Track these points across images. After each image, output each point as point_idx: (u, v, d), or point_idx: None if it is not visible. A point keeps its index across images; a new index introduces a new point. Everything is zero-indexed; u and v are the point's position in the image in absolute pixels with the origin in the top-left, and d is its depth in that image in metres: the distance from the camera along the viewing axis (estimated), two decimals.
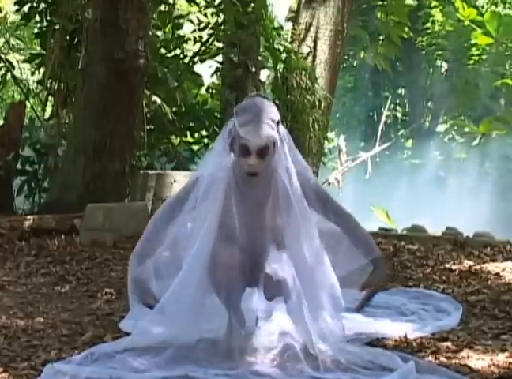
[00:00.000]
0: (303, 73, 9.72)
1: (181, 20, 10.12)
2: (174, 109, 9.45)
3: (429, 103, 19.87)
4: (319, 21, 10.06)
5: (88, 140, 7.60)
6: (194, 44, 10.29)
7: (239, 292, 3.57)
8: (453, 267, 5.50)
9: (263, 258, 3.55)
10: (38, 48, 11.31)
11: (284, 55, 9.79)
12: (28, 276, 5.48)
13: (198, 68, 10.40)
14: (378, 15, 14.95)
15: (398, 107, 20.61)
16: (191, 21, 10.11)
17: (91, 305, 4.61)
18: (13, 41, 17.05)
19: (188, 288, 3.48)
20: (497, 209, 15.55)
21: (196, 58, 10.03)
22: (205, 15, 10.14)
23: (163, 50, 9.78)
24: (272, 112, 3.57)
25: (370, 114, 20.03)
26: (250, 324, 3.58)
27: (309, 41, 10.07)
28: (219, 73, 10.47)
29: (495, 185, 17.08)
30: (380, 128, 18.37)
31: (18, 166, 8.68)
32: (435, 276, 5.24)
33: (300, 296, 3.45)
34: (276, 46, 9.77)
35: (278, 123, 3.58)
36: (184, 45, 10.10)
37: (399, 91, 20.44)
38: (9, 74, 10.13)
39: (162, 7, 9.73)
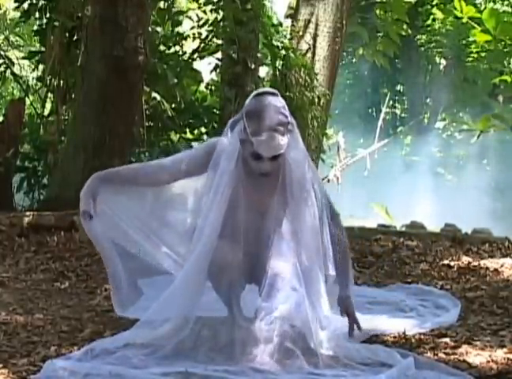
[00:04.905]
0: (302, 69, 9.71)
1: (180, 17, 10.12)
2: (173, 106, 9.45)
3: (428, 100, 19.86)
4: (318, 18, 10.05)
5: (88, 137, 7.59)
6: (193, 41, 10.27)
7: (239, 289, 3.58)
8: (452, 263, 5.50)
9: (265, 255, 3.56)
10: (37, 45, 11.32)
11: (283, 52, 9.77)
12: (28, 273, 5.49)
13: (197, 65, 10.40)
14: (377, 12, 14.95)
15: (397, 104, 20.63)
16: (190, 18, 10.11)
17: (90, 302, 4.62)
18: (12, 38, 17.07)
19: (188, 287, 3.50)
20: (495, 206, 15.56)
21: (195, 55, 10.02)
22: (204, 12, 10.14)
23: (162, 47, 9.77)
24: (281, 113, 3.61)
25: (369, 110, 20.03)
26: (248, 319, 3.59)
27: (308, 38, 10.06)
28: (218, 70, 10.47)
29: (494, 181, 17.09)
30: (379, 125, 18.36)
31: (18, 162, 8.68)
32: (434, 273, 5.25)
33: (301, 290, 3.47)
34: (275, 43, 9.75)
35: (288, 123, 3.59)
36: (183, 42, 10.09)
37: (398, 88, 20.45)
38: (8, 71, 10.12)
39: (161, 4, 9.73)
